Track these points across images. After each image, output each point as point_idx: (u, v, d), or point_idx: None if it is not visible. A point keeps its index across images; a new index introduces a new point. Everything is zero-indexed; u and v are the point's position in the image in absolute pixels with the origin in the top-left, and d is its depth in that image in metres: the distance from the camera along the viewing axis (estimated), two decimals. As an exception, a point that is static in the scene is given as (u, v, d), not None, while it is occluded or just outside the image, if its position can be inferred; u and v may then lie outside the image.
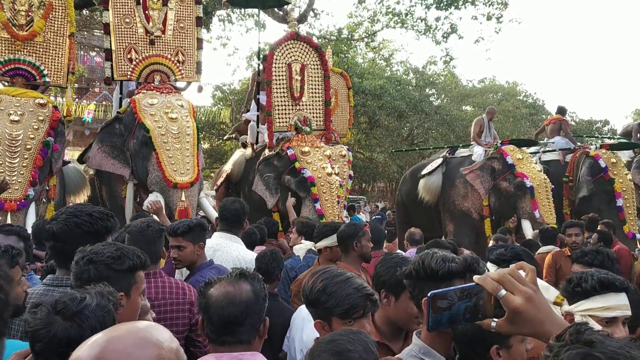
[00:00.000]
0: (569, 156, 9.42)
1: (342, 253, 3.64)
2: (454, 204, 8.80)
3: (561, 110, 10.66)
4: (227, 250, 3.72)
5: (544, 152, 9.99)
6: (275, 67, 7.80)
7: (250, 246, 4.49)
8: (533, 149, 9.94)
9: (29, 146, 5.88)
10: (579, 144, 10.03)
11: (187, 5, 7.23)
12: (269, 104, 7.72)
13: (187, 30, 7.20)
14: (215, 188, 9.00)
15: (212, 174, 10.85)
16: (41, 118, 6.04)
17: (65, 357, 1.14)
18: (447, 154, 9.67)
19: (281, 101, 7.82)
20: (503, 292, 1.10)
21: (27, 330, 1.48)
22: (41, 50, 6.44)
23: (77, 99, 22.48)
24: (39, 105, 6.07)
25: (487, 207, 8.34)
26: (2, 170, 5.71)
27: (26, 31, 6.30)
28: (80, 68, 21.59)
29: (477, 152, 8.92)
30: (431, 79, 28.60)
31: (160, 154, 6.14)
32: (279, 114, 7.78)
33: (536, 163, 8.65)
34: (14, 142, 5.80)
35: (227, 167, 8.75)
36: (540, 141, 10.60)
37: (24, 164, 5.86)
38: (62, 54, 6.59)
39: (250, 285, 1.84)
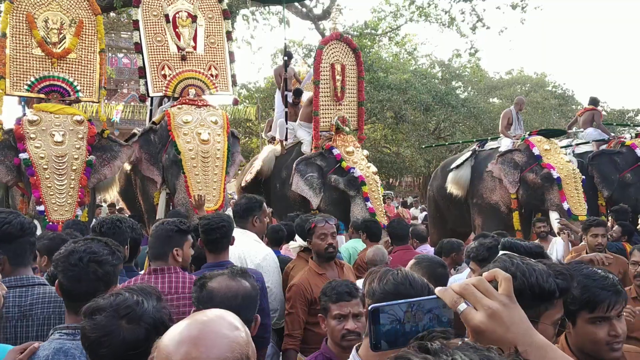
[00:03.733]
0: (603, 147, 9.22)
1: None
2: (482, 198, 8.68)
3: (593, 101, 10.43)
4: (236, 245, 3.69)
5: (577, 144, 9.79)
6: (321, 67, 7.87)
7: (277, 242, 4.50)
8: (565, 141, 9.74)
9: (74, 167, 6.11)
10: (612, 134, 9.80)
11: (216, 22, 7.45)
12: (316, 104, 7.74)
13: (217, 45, 7.41)
14: (244, 185, 9.03)
15: (239, 172, 10.88)
16: (80, 136, 6.27)
17: (129, 358, 1.17)
18: (477, 147, 9.55)
19: (325, 101, 7.86)
20: (463, 306, 0.92)
21: (87, 335, 1.49)
22: (74, 67, 6.66)
23: (106, 100, 22.81)
24: (76, 123, 6.30)
25: (516, 199, 8.20)
26: (52, 193, 5.92)
27: (59, 49, 6.52)
28: (108, 70, 21.90)
29: (505, 145, 8.78)
30: (457, 72, 28.26)
31: (189, 179, 6.28)
32: (323, 113, 7.81)
33: (566, 154, 8.48)
34: (60, 164, 6.00)
35: (257, 164, 8.79)
36: (570, 131, 10.42)
37: (72, 185, 6.08)
38: (94, 70, 6.80)
39: (248, 281, 1.99)
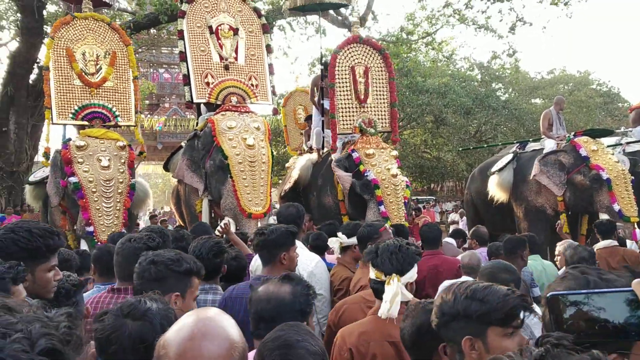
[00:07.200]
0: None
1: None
2: (527, 201, 8.51)
3: None
4: None
5: (627, 143, 9.49)
6: (338, 71, 7.91)
7: (320, 250, 4.47)
8: (614, 140, 9.46)
9: (120, 190, 6.44)
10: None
11: (256, 35, 7.76)
12: (332, 107, 7.78)
13: (257, 57, 7.68)
14: (282, 194, 9.09)
15: (280, 181, 11.00)
16: (123, 160, 6.62)
17: (140, 354, 1.23)
18: (518, 149, 9.37)
19: (345, 104, 7.89)
20: None
21: (97, 337, 1.60)
22: (111, 94, 7.13)
23: (148, 115, 23.43)
24: (119, 148, 6.65)
25: (562, 202, 8.01)
26: (100, 215, 6.26)
27: (96, 78, 7.03)
28: (150, 85, 22.47)
29: (549, 146, 8.58)
30: (497, 74, 27.86)
31: (237, 183, 6.34)
32: (343, 116, 7.84)
33: (613, 154, 8.23)
34: (107, 187, 6.33)
35: (295, 173, 8.84)
36: (617, 130, 10.11)
37: (117, 207, 6.42)
38: (129, 96, 7.28)
39: (290, 287, 1.98)
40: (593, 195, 7.61)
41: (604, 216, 7.28)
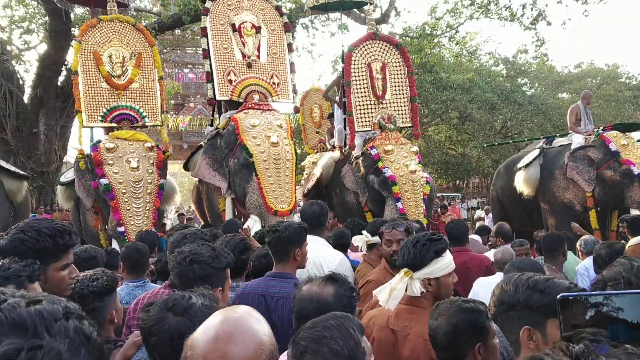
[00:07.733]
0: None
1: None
2: (554, 197, 8.38)
3: None
4: (310, 251, 3.73)
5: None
6: (354, 68, 7.91)
7: (342, 248, 4.47)
8: (641, 134, 9.27)
9: (149, 190, 6.54)
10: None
11: (278, 34, 7.85)
12: (349, 105, 7.79)
13: (279, 56, 7.79)
14: (305, 192, 9.12)
15: (303, 180, 11.01)
16: (151, 161, 6.71)
17: (178, 349, 1.27)
18: (544, 145, 9.24)
19: (363, 101, 7.88)
20: None
21: (142, 327, 1.67)
22: (138, 95, 7.21)
23: (174, 114, 23.70)
24: (148, 149, 6.74)
25: (592, 197, 7.88)
26: (131, 215, 6.36)
27: (123, 80, 7.11)
28: (175, 85, 22.72)
29: (577, 141, 8.44)
30: (522, 68, 27.47)
31: (262, 181, 6.40)
32: (360, 114, 7.84)
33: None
34: (137, 188, 6.43)
35: (317, 171, 8.86)
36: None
37: (147, 207, 6.52)
38: (155, 97, 7.34)
39: (333, 289, 1.93)
40: (624, 190, 7.47)
41: (634, 212, 7.14)
